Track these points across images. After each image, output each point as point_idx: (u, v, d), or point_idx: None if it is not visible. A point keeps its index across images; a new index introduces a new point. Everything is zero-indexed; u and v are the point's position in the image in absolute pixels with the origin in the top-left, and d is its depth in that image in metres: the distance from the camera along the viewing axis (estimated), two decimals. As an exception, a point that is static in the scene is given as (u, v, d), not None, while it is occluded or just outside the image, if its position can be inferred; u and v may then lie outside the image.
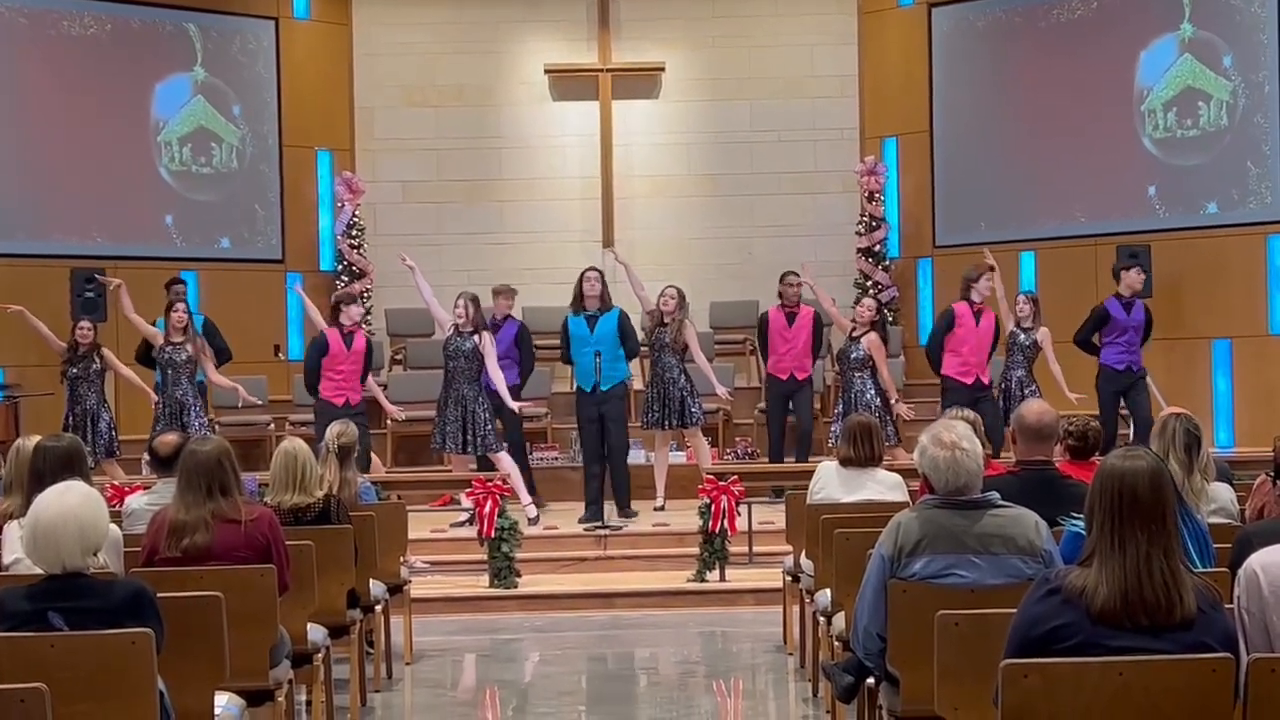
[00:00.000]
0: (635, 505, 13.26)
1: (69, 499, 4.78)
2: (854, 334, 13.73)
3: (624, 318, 13.39)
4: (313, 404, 13.50)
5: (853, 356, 13.59)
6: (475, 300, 13.02)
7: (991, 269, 13.98)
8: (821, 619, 7.61)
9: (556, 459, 15.20)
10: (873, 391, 13.48)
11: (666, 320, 13.52)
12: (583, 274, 13.40)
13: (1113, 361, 13.88)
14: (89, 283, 15.01)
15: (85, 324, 14.07)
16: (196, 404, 13.68)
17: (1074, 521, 5.15)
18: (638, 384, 15.02)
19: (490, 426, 12.86)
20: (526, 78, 18.17)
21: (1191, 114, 15.88)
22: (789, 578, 9.37)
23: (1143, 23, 16.23)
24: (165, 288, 15.04)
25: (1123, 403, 13.88)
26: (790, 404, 14.24)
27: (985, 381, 13.58)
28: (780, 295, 14.39)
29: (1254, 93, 15.43)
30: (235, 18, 17.46)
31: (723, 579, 11.30)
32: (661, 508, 13.45)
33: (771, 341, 14.29)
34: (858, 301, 14.30)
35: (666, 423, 13.50)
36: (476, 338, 12.85)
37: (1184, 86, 15.93)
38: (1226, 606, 4.15)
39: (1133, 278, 14.02)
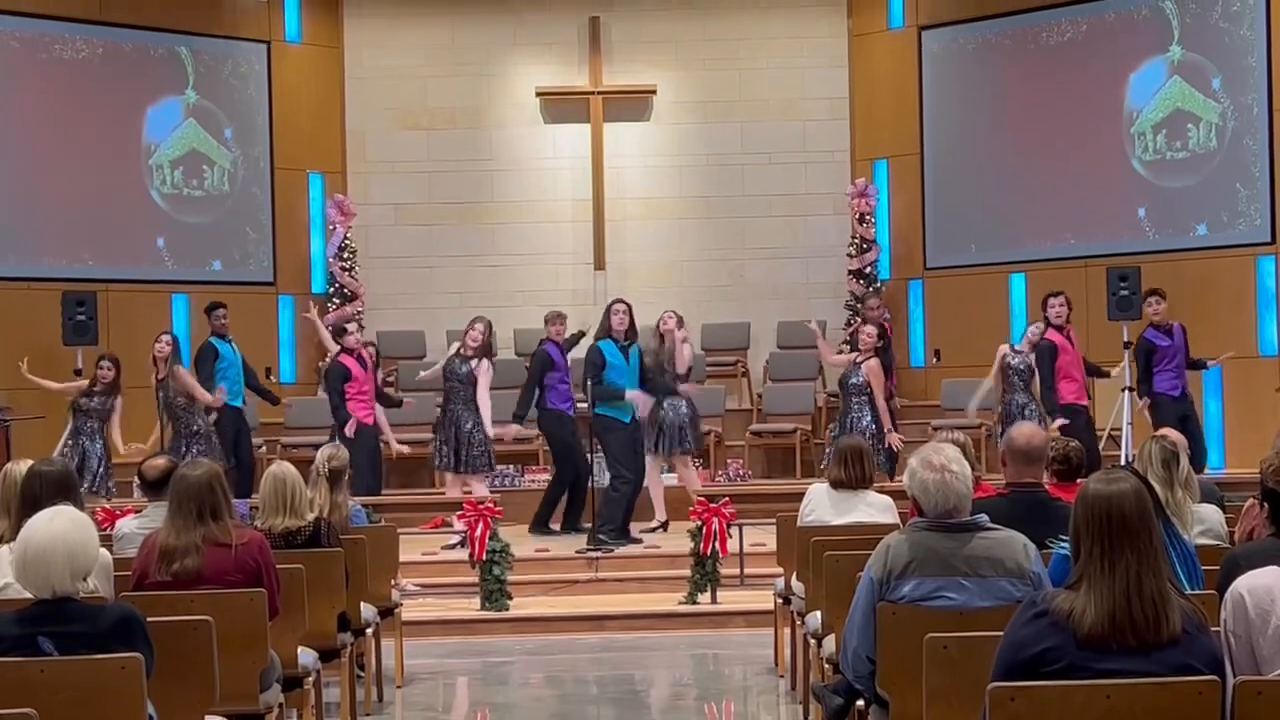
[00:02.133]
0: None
1: (58, 524, 4.77)
2: (856, 360, 13.78)
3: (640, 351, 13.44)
4: (335, 429, 13.67)
5: (852, 382, 13.64)
6: (490, 326, 13.07)
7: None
8: (812, 641, 7.61)
9: (534, 481, 15.15)
10: (869, 419, 13.50)
11: (667, 343, 13.62)
12: (611, 305, 13.37)
13: (1167, 389, 13.90)
14: (80, 306, 15.00)
15: (106, 364, 14.03)
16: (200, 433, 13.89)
17: (1062, 544, 5.16)
18: None
19: (483, 448, 12.91)
20: (518, 100, 18.21)
21: (1181, 136, 15.93)
22: (780, 600, 9.36)
23: (1132, 45, 16.30)
24: (206, 313, 15.12)
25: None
26: None
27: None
28: (864, 319, 14.51)
29: (1243, 115, 15.49)
30: (227, 41, 17.48)
31: (714, 601, 11.30)
32: (665, 525, 13.46)
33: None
34: (847, 324, 14.33)
35: (661, 447, 13.53)
36: (474, 362, 12.96)
37: (1173, 109, 15.99)
38: (1214, 629, 4.16)
39: (1153, 308, 14.05)
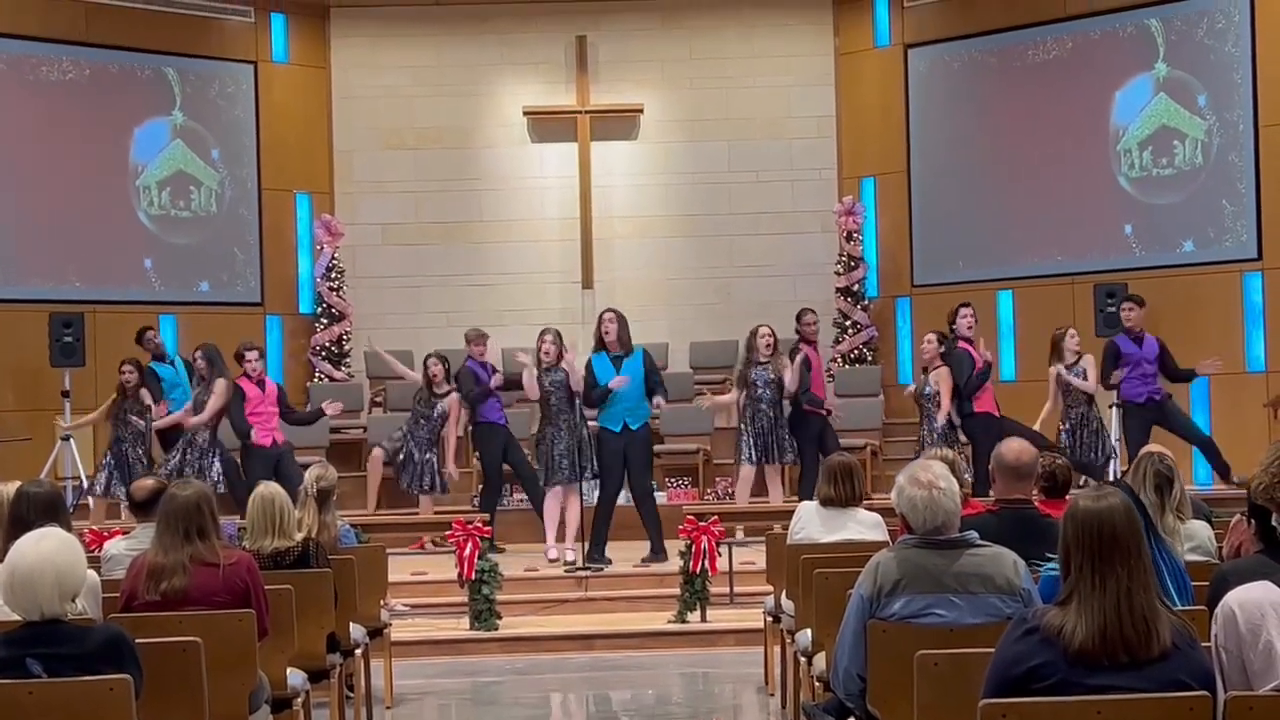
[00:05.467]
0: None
1: (46, 545, 4.76)
2: (925, 370, 13.91)
3: (649, 357, 13.24)
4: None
5: (926, 393, 13.76)
6: (558, 334, 13.14)
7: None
8: (802, 659, 7.61)
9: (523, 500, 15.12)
10: (941, 425, 13.62)
11: (764, 359, 13.72)
12: (600, 316, 13.36)
13: (1132, 395, 13.97)
14: (67, 327, 14.99)
15: (128, 368, 14.17)
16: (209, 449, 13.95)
17: (1052, 566, 5.15)
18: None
19: (564, 459, 12.86)
20: (505, 120, 18.22)
21: (1167, 153, 15.97)
22: (770, 618, 9.35)
23: (1117, 62, 16.35)
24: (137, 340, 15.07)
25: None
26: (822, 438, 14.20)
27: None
28: (799, 334, 14.43)
29: (1229, 131, 15.53)
30: (214, 62, 17.48)
31: (704, 620, 11.28)
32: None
33: (816, 379, 14.27)
34: (836, 341, 14.38)
35: (770, 455, 13.71)
36: (558, 370, 12.96)
37: (1159, 125, 16.04)
38: (1204, 645, 4.16)
39: (1125, 313, 14.15)
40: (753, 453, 13.71)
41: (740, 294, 18.00)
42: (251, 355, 14.03)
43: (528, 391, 13.18)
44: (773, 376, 13.70)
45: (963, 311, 14.10)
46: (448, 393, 14.24)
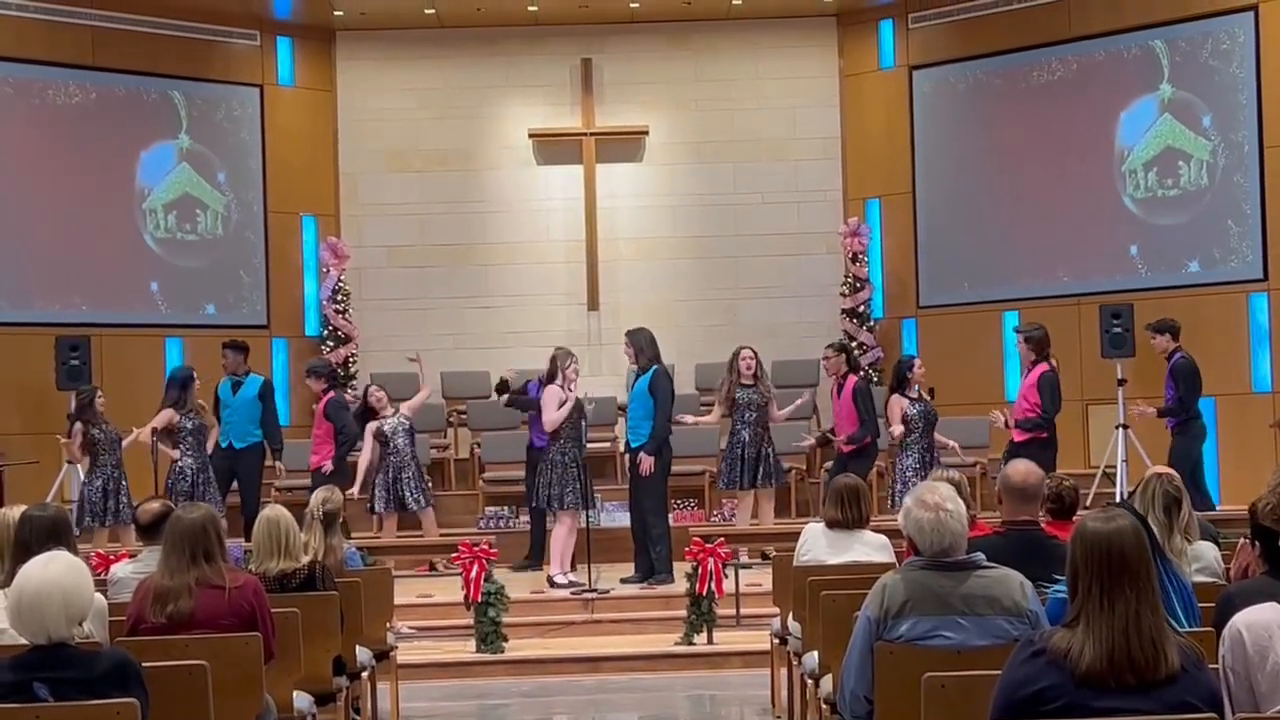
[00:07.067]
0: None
1: (53, 569, 4.76)
2: (914, 395, 13.91)
3: (656, 376, 13.11)
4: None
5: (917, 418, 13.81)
6: (552, 358, 13.27)
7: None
8: (809, 681, 7.59)
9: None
10: (914, 456, 13.57)
11: (746, 381, 13.77)
12: None
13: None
14: (73, 350, 14.99)
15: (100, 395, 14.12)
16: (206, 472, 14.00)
17: (1059, 588, 5.14)
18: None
19: (559, 484, 12.90)
20: (510, 142, 18.25)
21: (1172, 174, 15.98)
22: (777, 640, 9.33)
23: (1122, 83, 16.36)
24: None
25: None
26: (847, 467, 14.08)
27: None
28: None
29: (1234, 152, 15.54)
30: (220, 85, 17.52)
31: (710, 642, 11.27)
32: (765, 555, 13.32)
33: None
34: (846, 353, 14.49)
35: (744, 481, 13.72)
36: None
37: (1164, 146, 16.05)
38: (1211, 666, 4.15)
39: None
40: (734, 476, 13.74)
41: (746, 315, 18.01)
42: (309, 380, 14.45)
43: (554, 422, 13.02)
44: (755, 399, 13.74)
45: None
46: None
